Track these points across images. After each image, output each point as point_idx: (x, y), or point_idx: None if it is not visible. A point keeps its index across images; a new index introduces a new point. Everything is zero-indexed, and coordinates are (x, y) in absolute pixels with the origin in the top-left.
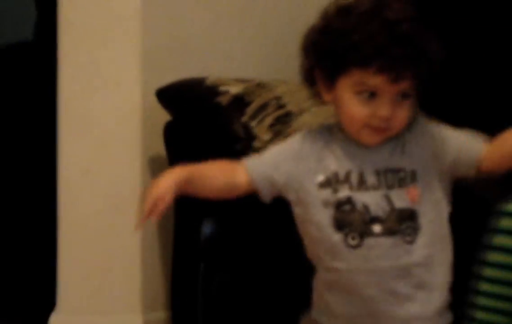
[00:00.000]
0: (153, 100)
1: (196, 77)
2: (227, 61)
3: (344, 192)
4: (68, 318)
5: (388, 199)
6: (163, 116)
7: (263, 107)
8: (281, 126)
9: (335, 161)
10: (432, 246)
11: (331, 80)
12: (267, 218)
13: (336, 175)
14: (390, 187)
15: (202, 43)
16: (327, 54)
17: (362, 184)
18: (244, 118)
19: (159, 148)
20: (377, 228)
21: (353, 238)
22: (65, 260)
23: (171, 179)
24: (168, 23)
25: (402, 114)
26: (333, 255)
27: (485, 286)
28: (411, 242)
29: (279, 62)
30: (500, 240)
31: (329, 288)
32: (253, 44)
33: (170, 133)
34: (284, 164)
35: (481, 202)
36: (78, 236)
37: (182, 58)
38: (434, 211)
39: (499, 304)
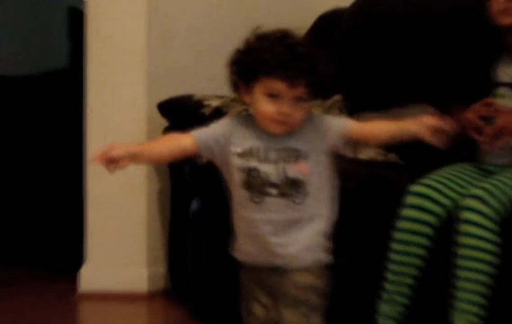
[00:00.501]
0: (155, 111)
1: (186, 94)
2: (210, 82)
3: (253, 163)
4: (94, 269)
5: (283, 170)
6: (162, 123)
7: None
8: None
9: (249, 140)
10: (316, 207)
11: (249, 86)
12: None
13: (249, 150)
14: (286, 161)
15: (191, 69)
16: (246, 67)
17: (266, 158)
18: None
19: None
20: (274, 191)
21: (256, 197)
22: (92, 225)
23: (124, 148)
24: (166, 55)
25: (298, 113)
26: (242, 207)
27: (395, 246)
28: (300, 204)
29: None
30: (406, 212)
31: (241, 233)
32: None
33: None
34: (219, 137)
35: (393, 185)
36: (101, 208)
37: (176, 80)
38: (321, 180)
39: (408, 259)
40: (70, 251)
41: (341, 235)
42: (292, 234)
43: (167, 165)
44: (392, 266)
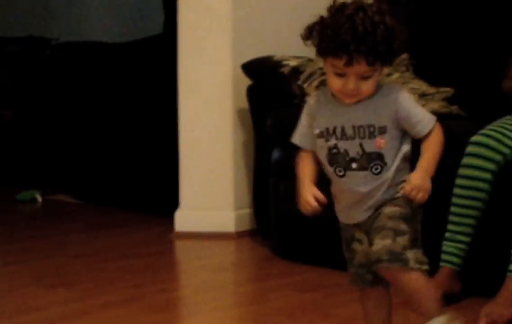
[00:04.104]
0: (240, 71)
1: (267, 55)
2: (292, 44)
3: (332, 141)
4: (187, 213)
5: (361, 146)
6: (246, 81)
7: (311, 74)
8: (323, 87)
9: (325, 120)
10: (394, 177)
11: (323, 58)
12: None
13: (327, 130)
14: (362, 138)
15: (273, 31)
16: (316, 43)
17: (343, 135)
18: (299, 82)
19: (244, 102)
20: (354, 165)
21: (339, 171)
22: (185, 173)
23: (310, 195)
24: (250, 19)
25: (366, 87)
26: (331, 178)
27: (458, 190)
28: (378, 174)
29: None
30: (467, 160)
31: (334, 191)
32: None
33: (251, 93)
34: (308, 130)
35: (456, 135)
36: (192, 158)
37: (259, 42)
38: (396, 152)
39: (469, 202)
40: (167, 196)
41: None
42: (374, 197)
43: (251, 117)
44: (455, 209)
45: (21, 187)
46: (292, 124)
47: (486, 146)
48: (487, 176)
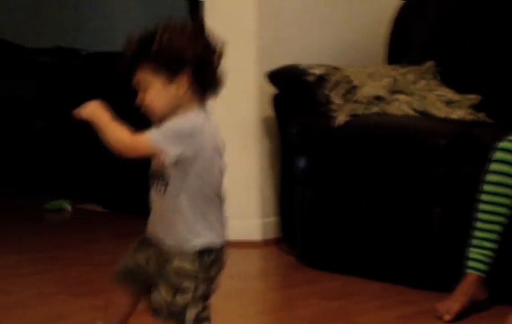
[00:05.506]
0: (265, 80)
1: (293, 63)
2: (315, 52)
3: None
4: None
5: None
6: (271, 90)
7: (337, 83)
8: (349, 95)
9: None
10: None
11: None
12: (341, 156)
13: None
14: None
15: (298, 40)
16: None
17: None
18: (325, 90)
19: (269, 111)
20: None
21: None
22: None
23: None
24: (274, 28)
25: (147, 97)
26: None
27: (484, 197)
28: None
29: (352, 50)
30: (494, 166)
31: None
32: (333, 41)
33: (277, 101)
34: None
35: (482, 142)
36: None
37: (283, 50)
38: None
39: (495, 209)
40: None
41: (436, 188)
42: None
43: (276, 126)
44: (481, 215)
45: (50, 197)
46: (317, 132)
47: None
48: None
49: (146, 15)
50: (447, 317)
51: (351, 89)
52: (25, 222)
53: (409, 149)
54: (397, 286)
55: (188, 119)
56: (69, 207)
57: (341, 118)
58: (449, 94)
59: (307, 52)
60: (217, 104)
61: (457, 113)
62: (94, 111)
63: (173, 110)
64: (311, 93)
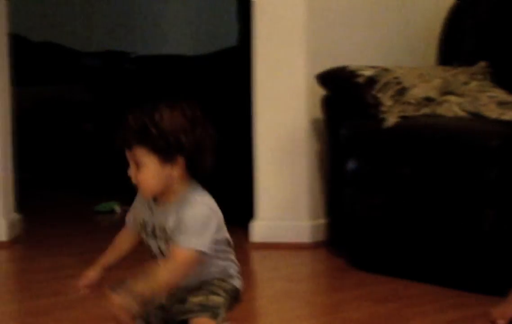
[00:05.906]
0: (314, 82)
1: (342, 65)
2: (364, 55)
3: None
4: (263, 223)
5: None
6: (320, 92)
7: (386, 84)
8: (399, 96)
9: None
10: None
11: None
12: (391, 158)
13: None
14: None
15: (346, 42)
16: None
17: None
18: (374, 92)
19: (318, 113)
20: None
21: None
22: (261, 185)
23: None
24: (323, 31)
25: (140, 177)
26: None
27: None
28: None
29: (402, 51)
30: None
31: None
32: (383, 42)
33: (326, 103)
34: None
35: None
36: (269, 167)
37: (333, 53)
38: None
39: None
40: (240, 206)
41: (488, 189)
42: None
43: (326, 128)
44: None
45: (100, 199)
46: (367, 133)
47: None
48: None
49: (195, 18)
50: (501, 322)
51: (401, 91)
52: (75, 224)
53: (460, 150)
54: (449, 290)
55: (206, 212)
56: (119, 209)
57: (391, 120)
58: (501, 95)
59: (357, 53)
60: (267, 106)
61: (509, 114)
62: (139, 295)
63: (165, 188)
64: (361, 95)
